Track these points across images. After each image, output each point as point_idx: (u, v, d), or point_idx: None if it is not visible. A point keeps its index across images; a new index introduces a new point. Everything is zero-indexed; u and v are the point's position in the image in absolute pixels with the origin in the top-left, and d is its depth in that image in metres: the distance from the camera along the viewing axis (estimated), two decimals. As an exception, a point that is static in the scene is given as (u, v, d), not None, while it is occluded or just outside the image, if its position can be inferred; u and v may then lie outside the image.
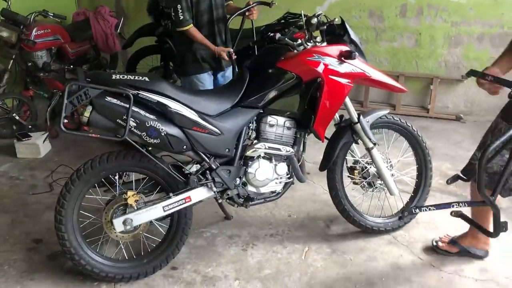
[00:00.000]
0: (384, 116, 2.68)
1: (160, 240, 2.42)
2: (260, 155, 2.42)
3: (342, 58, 2.36)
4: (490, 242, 2.54)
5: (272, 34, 2.69)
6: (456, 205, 2.15)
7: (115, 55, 5.59)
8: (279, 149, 2.42)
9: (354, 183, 2.80)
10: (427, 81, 5.05)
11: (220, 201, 2.42)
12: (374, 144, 2.60)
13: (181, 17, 2.97)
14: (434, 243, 2.66)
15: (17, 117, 4.15)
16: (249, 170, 2.38)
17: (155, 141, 2.12)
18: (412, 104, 5.17)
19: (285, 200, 3.14)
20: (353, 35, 2.51)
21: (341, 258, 2.56)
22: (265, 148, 2.39)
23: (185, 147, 2.22)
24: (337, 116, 2.68)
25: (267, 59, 2.49)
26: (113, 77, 2.09)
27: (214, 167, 2.32)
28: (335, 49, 2.38)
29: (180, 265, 2.47)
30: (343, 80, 2.37)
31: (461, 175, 2.26)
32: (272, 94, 2.37)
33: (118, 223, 2.22)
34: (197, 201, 2.34)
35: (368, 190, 2.78)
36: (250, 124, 2.42)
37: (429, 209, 2.23)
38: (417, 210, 2.20)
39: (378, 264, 2.50)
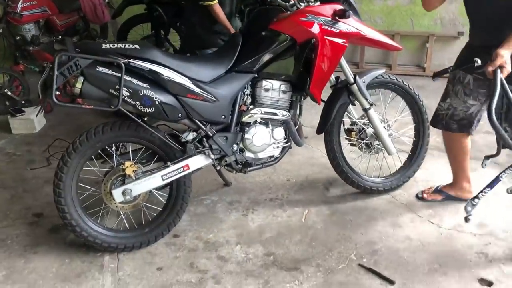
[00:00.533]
0: (381, 76, 2.65)
1: (160, 209, 2.43)
2: (256, 121, 2.41)
3: (336, 18, 2.31)
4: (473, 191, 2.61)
5: (263, -5, 2.63)
6: (503, 174, 2.10)
7: (105, 25, 5.49)
8: (275, 114, 2.39)
9: (352, 144, 2.80)
10: (423, 39, 4.98)
11: (218, 168, 2.42)
12: (371, 104, 2.58)
13: None
14: (420, 195, 2.74)
15: (9, 93, 4.08)
16: (246, 136, 2.37)
17: (149, 110, 2.09)
18: (408, 63, 5.12)
19: (284, 165, 3.14)
20: (347, -6, 2.44)
21: (341, 219, 2.58)
22: (261, 113, 2.37)
23: (180, 115, 2.20)
24: (333, 77, 2.65)
25: (259, 21, 2.44)
26: (103, 46, 2.04)
27: (211, 134, 2.30)
28: (329, 8, 2.33)
29: (182, 233, 2.49)
30: (338, 40, 2.33)
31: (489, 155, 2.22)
32: (266, 57, 2.33)
33: (117, 194, 2.22)
34: (195, 169, 2.34)
35: (366, 151, 2.78)
36: (245, 89, 2.39)
37: (485, 193, 2.09)
38: (477, 200, 2.14)
39: (378, 224, 2.53)
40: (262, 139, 2.39)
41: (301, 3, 2.39)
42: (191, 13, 3.26)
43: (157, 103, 2.09)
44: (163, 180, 2.27)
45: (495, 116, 1.87)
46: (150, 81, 2.09)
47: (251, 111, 2.36)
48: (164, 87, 2.11)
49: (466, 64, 2.25)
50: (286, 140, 2.49)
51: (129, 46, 2.07)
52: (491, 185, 2.10)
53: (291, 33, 2.32)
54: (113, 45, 2.05)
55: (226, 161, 2.37)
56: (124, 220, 2.40)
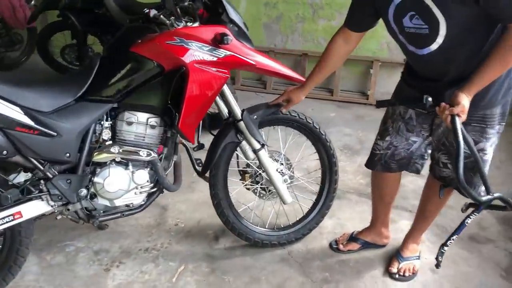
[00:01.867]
0: (279, 112, 2.26)
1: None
2: (114, 160, 1.99)
3: (217, 43, 1.92)
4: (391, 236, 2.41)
5: (147, 11, 2.21)
6: (468, 220, 1.84)
7: (33, 29, 5.02)
8: (136, 153, 1.98)
9: (247, 189, 2.40)
10: (367, 64, 4.65)
11: (59, 217, 1.98)
12: (262, 145, 2.19)
13: None
14: (334, 246, 2.39)
15: None
16: (96, 179, 1.94)
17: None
18: (352, 89, 4.78)
19: (178, 205, 2.73)
20: (232, 14, 2.05)
21: (218, 279, 2.16)
22: (117, 152, 1.95)
23: (5, 152, 1.76)
24: (226, 111, 2.24)
25: (124, 42, 2.02)
26: None
27: (50, 176, 1.87)
28: (208, 31, 1.94)
29: (21, 292, 2.04)
30: (214, 70, 1.94)
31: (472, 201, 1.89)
32: (127, 85, 1.93)
33: None
34: (31, 217, 1.90)
35: (262, 197, 2.39)
36: (103, 122, 1.97)
37: (453, 240, 1.87)
38: (445, 248, 1.85)
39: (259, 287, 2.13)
40: (118, 184, 1.97)
41: (178, 23, 1.99)
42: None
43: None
44: (-15, 230, 1.83)
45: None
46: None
47: (105, 149, 1.94)
48: None
49: (406, 97, 1.96)
50: (152, 184, 2.07)
51: None
52: (457, 231, 1.86)
53: (155, 58, 1.92)
54: None
55: (69, 209, 1.95)
56: None
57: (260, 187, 2.35)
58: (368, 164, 2.21)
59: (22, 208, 1.87)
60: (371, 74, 4.56)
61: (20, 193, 1.86)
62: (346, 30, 1.97)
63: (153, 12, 2.06)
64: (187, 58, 1.88)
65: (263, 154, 2.20)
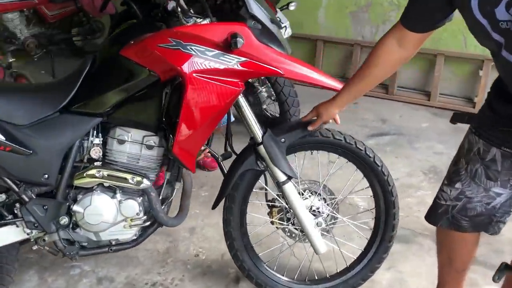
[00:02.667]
0: (317, 133, 1.73)
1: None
2: (101, 185, 1.65)
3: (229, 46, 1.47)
4: None
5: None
6: None
7: (114, 16, 4.97)
8: (124, 179, 1.61)
9: (276, 227, 1.92)
10: (476, 64, 3.78)
11: (34, 247, 1.70)
12: (289, 177, 1.69)
13: None
14: None
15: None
16: (75, 207, 1.61)
17: None
18: (456, 94, 3.94)
19: (207, 229, 2.36)
20: (253, 7, 1.56)
21: None
22: (102, 176, 1.60)
23: (-30, 172, 1.52)
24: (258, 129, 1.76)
25: (122, 42, 1.64)
26: None
27: (26, 199, 1.59)
28: (215, 31, 1.50)
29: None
30: (222, 80, 1.49)
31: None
32: (117, 96, 1.56)
33: None
34: (5, 244, 1.65)
35: (295, 237, 1.89)
36: (93, 138, 1.63)
37: None
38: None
39: None
40: (101, 215, 1.62)
41: (187, 19, 1.57)
42: None
43: None
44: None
45: None
46: None
47: (87, 172, 1.60)
48: None
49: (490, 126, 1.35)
50: (144, 218, 1.69)
51: None
52: None
53: (147, 65, 1.52)
54: None
55: (44, 240, 1.65)
56: None
57: (287, 227, 1.86)
58: (429, 217, 1.59)
59: (-6, 233, 1.62)
60: (481, 77, 3.69)
61: (-11, 217, 1.61)
62: (402, 29, 1.36)
63: (171, 5, 1.62)
64: (183, 66, 1.46)
65: (290, 189, 1.70)
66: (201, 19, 1.57)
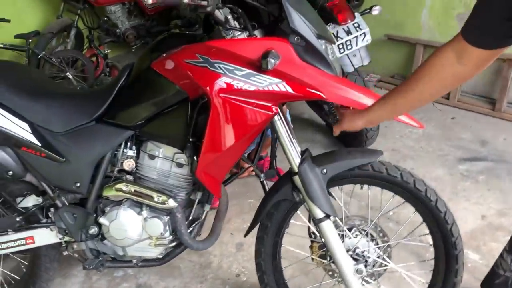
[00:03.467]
0: (369, 165, 1.50)
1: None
2: (128, 199, 1.60)
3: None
4: None
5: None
6: None
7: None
8: (150, 196, 1.54)
9: (314, 261, 1.72)
10: None
11: (65, 253, 1.71)
12: (327, 216, 1.48)
13: None
14: None
15: (70, 76, 3.99)
16: (102, 219, 1.59)
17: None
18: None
19: (252, 248, 2.21)
20: (296, 21, 1.36)
21: None
22: (128, 191, 1.55)
23: (10, 172, 1.56)
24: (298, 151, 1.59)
25: (158, 52, 1.56)
26: None
27: (60, 205, 1.61)
28: (248, 47, 1.34)
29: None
30: (250, 105, 1.34)
31: None
32: (147, 110, 1.49)
33: None
34: (42, 244, 1.69)
35: (336, 277, 1.68)
36: (126, 150, 1.59)
37: None
38: None
39: None
40: (125, 230, 1.57)
41: (226, 32, 1.43)
42: None
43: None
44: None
45: None
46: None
47: (116, 185, 1.56)
48: None
49: None
50: (170, 238, 1.61)
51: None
52: None
53: (175, 81, 1.42)
54: None
55: (73, 247, 1.65)
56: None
57: (327, 264, 1.65)
58: (484, 285, 1.29)
59: (35, 233, 1.68)
60: None
61: (26, 219, 1.66)
62: (463, 43, 1.06)
63: (222, 16, 1.49)
64: (209, 85, 1.32)
65: (328, 228, 1.49)
66: (240, 33, 1.42)
